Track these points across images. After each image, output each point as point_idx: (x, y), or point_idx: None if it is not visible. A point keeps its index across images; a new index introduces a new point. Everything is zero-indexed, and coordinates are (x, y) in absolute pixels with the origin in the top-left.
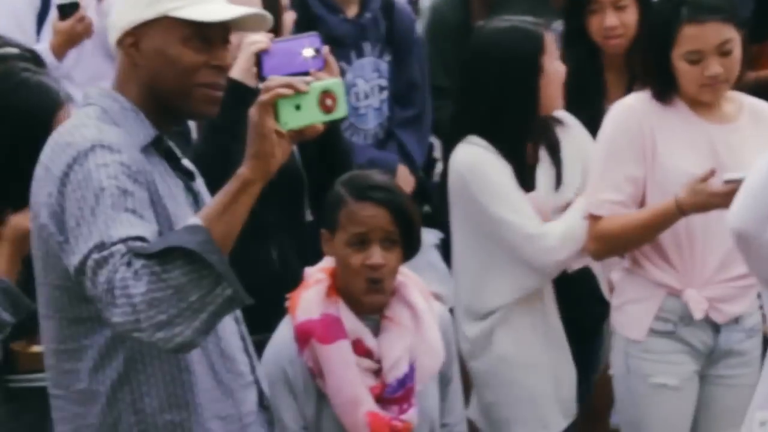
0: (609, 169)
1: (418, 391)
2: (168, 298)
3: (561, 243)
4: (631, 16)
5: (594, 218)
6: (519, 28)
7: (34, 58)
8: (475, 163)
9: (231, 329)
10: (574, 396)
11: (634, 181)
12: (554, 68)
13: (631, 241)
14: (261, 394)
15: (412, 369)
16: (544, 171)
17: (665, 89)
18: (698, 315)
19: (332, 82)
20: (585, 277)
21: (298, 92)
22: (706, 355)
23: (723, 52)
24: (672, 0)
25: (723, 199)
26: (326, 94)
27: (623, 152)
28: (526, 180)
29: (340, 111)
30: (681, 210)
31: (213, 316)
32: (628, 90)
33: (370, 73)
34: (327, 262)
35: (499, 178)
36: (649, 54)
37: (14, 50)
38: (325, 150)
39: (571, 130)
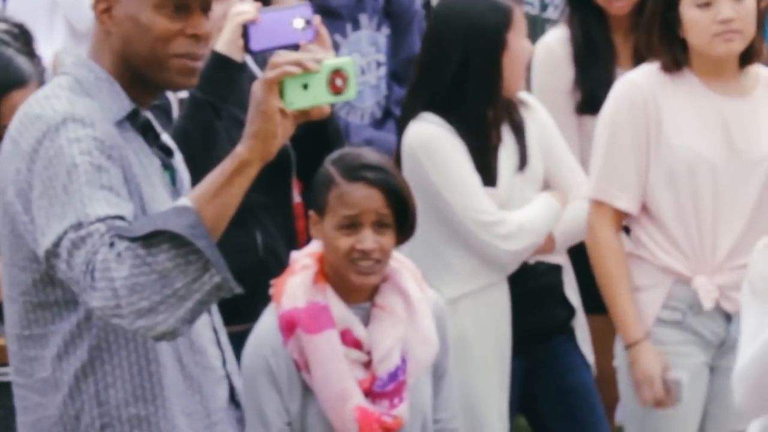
0: (611, 154)
1: (410, 385)
2: (152, 283)
3: (518, 232)
4: None
5: (598, 204)
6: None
7: (22, 34)
8: (429, 141)
9: (203, 320)
10: (506, 409)
11: (636, 167)
12: (519, 46)
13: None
14: (232, 390)
15: (404, 361)
16: (507, 154)
17: (674, 58)
18: (708, 304)
19: (344, 60)
20: (551, 279)
21: (307, 71)
22: (716, 346)
23: None
24: None
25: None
26: (337, 73)
27: (626, 137)
28: (488, 162)
29: (350, 92)
30: None
31: (199, 305)
32: (636, 53)
33: (366, 48)
34: (314, 246)
35: (455, 159)
36: (655, 17)
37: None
38: (313, 126)
39: (534, 113)
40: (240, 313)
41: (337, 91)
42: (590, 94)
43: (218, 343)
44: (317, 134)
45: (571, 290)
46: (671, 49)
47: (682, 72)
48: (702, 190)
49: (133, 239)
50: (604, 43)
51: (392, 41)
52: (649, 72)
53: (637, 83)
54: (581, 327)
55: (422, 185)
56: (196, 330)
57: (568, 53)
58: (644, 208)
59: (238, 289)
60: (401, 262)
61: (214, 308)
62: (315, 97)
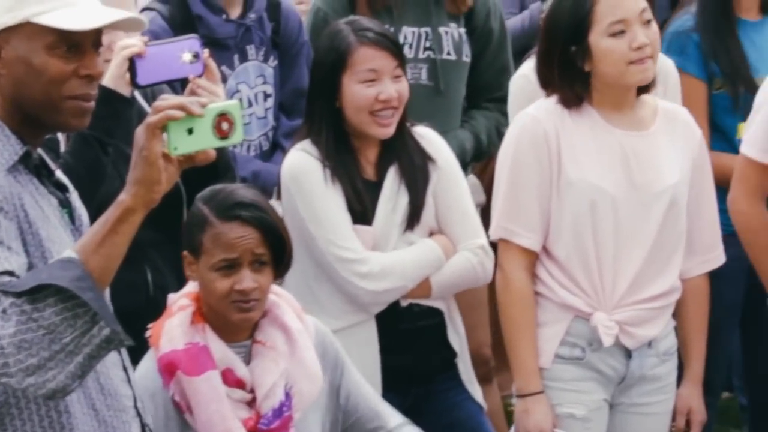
0: (514, 192)
1: (297, 420)
2: (39, 339)
3: (379, 273)
4: None
5: (505, 244)
6: (332, 33)
7: None
8: (299, 172)
9: (112, 360)
10: None
11: (539, 204)
12: (353, 91)
13: None
14: (143, 428)
15: (288, 396)
16: (389, 195)
17: (576, 92)
18: (608, 341)
19: (230, 104)
20: (428, 321)
21: (192, 115)
22: (616, 383)
23: (645, 20)
24: None
25: None
26: (222, 117)
27: (528, 174)
28: (364, 199)
29: (236, 136)
30: None
31: (89, 359)
32: None
33: (254, 79)
34: (191, 287)
35: (322, 192)
36: (555, 51)
37: None
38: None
39: (436, 162)
40: (129, 353)
41: (222, 135)
42: None
43: (129, 382)
44: (208, 168)
45: (455, 334)
46: (573, 84)
47: (581, 106)
48: (603, 226)
49: (19, 294)
50: None
51: (280, 73)
52: (548, 107)
53: (537, 119)
54: (466, 369)
55: (294, 217)
56: (105, 373)
57: None
58: (544, 245)
59: (129, 341)
60: (279, 294)
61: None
62: (200, 142)
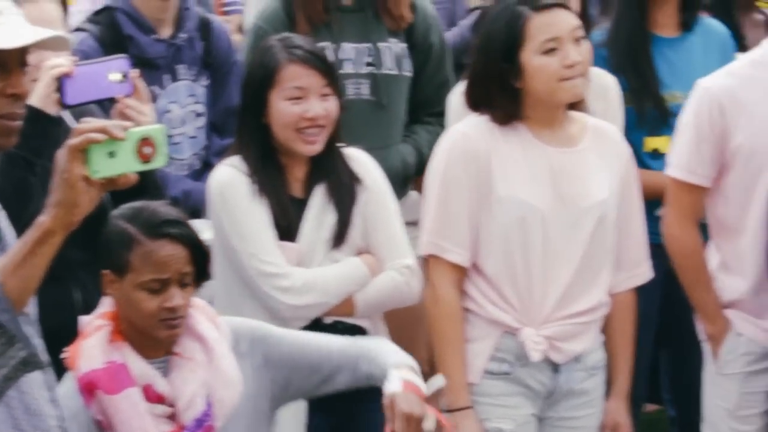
0: (443, 208)
1: (219, 429)
2: None
3: (301, 288)
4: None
5: (434, 260)
6: (263, 49)
7: None
8: (225, 187)
9: (37, 380)
10: None
11: (468, 220)
12: (279, 107)
13: None
14: None
15: (209, 406)
16: (315, 213)
17: (508, 110)
18: (535, 356)
19: (153, 128)
20: None
21: (113, 138)
22: (544, 397)
23: (576, 38)
24: (507, 2)
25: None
26: (145, 141)
27: (457, 190)
28: (290, 215)
29: (159, 160)
30: None
31: (5, 380)
32: None
33: (185, 99)
34: (105, 306)
35: (247, 207)
36: (490, 69)
37: None
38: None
39: (364, 181)
40: (57, 374)
41: (145, 159)
42: None
43: (53, 402)
44: (136, 187)
45: None
46: (505, 101)
47: (511, 123)
48: (532, 242)
49: None
50: None
51: (212, 92)
52: (479, 123)
53: (467, 135)
54: None
55: (220, 231)
56: (31, 393)
57: None
58: (473, 260)
59: (47, 364)
60: (192, 304)
61: (49, 364)
62: (122, 165)
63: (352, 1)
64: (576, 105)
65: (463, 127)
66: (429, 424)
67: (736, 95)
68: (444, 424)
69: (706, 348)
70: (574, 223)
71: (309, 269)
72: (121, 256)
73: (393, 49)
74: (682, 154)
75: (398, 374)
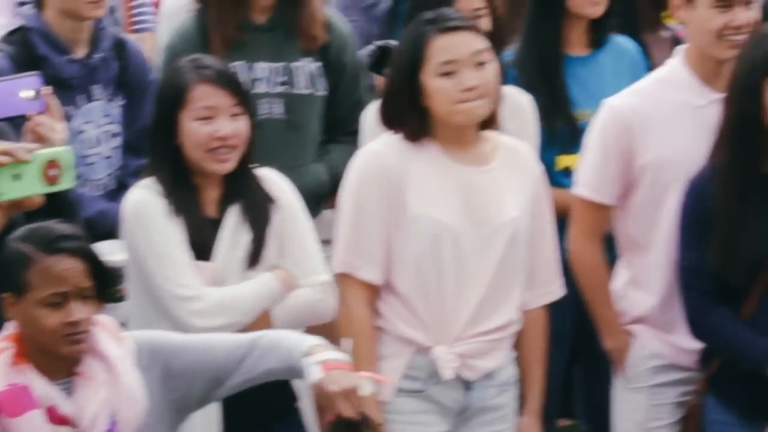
0: (356, 226)
1: None
2: None
3: (213, 309)
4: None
5: (346, 278)
6: (173, 70)
7: None
8: (139, 209)
9: None
10: None
11: (381, 238)
12: (190, 127)
13: None
14: None
15: (114, 424)
16: (230, 232)
17: (417, 127)
18: (447, 375)
19: (59, 150)
20: None
21: (19, 161)
22: (457, 413)
23: (477, 62)
24: (418, 20)
25: None
26: (51, 163)
27: (370, 208)
28: (205, 235)
29: (66, 182)
30: None
31: None
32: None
33: (100, 119)
34: (8, 329)
35: (161, 229)
36: (399, 87)
37: None
38: (47, 202)
39: (279, 201)
40: None
41: (51, 181)
42: None
43: None
44: (48, 208)
45: None
46: (414, 119)
47: (424, 141)
48: (443, 260)
49: None
50: None
51: (128, 112)
52: (391, 141)
53: (380, 154)
54: (309, 411)
55: (134, 253)
56: None
57: None
58: (386, 278)
59: None
60: (96, 321)
61: None
62: (27, 188)
63: (266, 20)
64: (489, 124)
65: (376, 146)
66: (366, 389)
67: (642, 114)
68: (380, 379)
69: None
70: (486, 241)
71: (221, 288)
72: (19, 276)
73: (307, 68)
74: (588, 172)
75: (313, 360)
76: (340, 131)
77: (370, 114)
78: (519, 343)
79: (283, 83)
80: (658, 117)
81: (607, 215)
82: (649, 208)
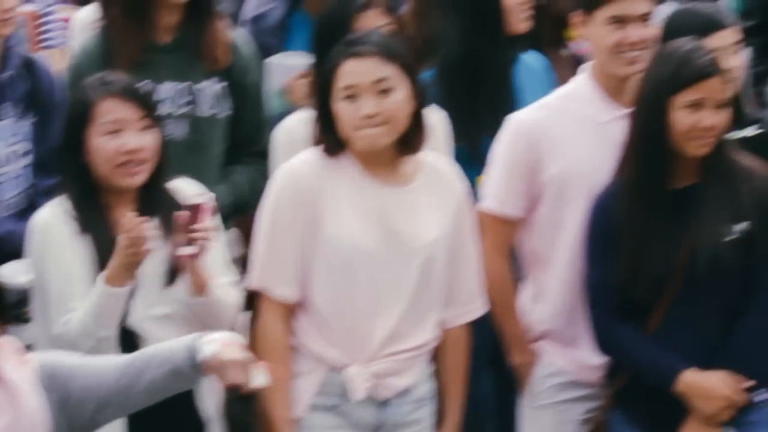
0: (272, 243)
1: None
2: None
3: (81, 331)
4: None
5: (264, 294)
6: (80, 87)
7: None
8: (44, 229)
9: None
10: None
11: (296, 256)
12: (98, 144)
13: None
14: None
15: None
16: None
17: (333, 143)
18: (359, 395)
19: None
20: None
21: None
22: (372, 429)
23: (380, 90)
24: (342, 41)
25: None
26: None
27: (286, 226)
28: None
29: None
30: None
31: None
32: None
33: (9, 137)
34: None
35: (64, 249)
36: (317, 101)
37: None
38: None
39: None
40: None
41: None
42: None
43: None
44: None
45: (208, 400)
46: (330, 139)
47: (344, 159)
48: (359, 281)
49: None
50: None
51: (38, 130)
52: (311, 160)
53: (298, 173)
54: None
55: (39, 272)
56: None
57: (308, 135)
58: (303, 296)
59: None
60: None
61: None
62: None
63: (171, 40)
64: (410, 148)
65: (295, 164)
66: (260, 379)
67: (547, 128)
68: (274, 372)
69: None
70: (402, 264)
71: (77, 312)
72: None
73: (211, 89)
74: (494, 186)
75: (208, 339)
76: (244, 152)
77: (281, 131)
78: (438, 360)
79: (187, 104)
80: (562, 131)
81: (514, 230)
82: (553, 223)
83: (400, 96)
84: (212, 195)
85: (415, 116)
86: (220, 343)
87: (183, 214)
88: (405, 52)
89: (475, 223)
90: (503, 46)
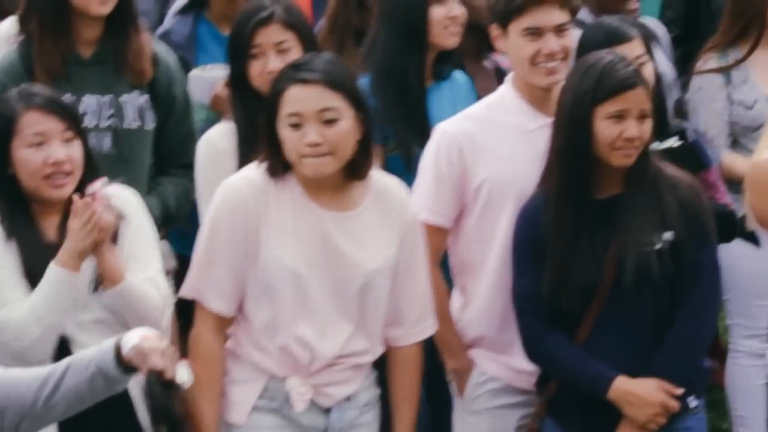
0: (208, 258)
1: None
2: None
3: (20, 330)
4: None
5: (199, 305)
6: (1, 101)
7: None
8: None
9: None
10: None
11: (233, 273)
12: (23, 155)
13: None
14: None
15: None
16: None
17: (277, 164)
18: (300, 407)
19: None
20: (116, 396)
21: None
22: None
23: (325, 120)
24: (289, 65)
25: None
26: None
27: (223, 244)
28: (40, 261)
29: None
30: None
31: None
32: None
33: None
34: None
35: None
36: (261, 126)
37: None
38: None
39: (131, 222)
40: None
41: None
42: None
43: None
44: None
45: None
46: (276, 158)
47: (287, 179)
48: (294, 303)
49: None
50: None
51: None
52: (254, 178)
53: (240, 192)
54: None
55: None
56: None
57: (231, 146)
58: (243, 309)
59: None
60: None
61: None
62: None
63: (92, 54)
64: (357, 174)
65: (238, 181)
66: (182, 376)
67: (473, 137)
68: (195, 371)
69: (453, 387)
70: (341, 288)
71: (23, 302)
72: None
73: (135, 102)
74: (424, 195)
75: (131, 335)
76: (171, 164)
77: (203, 143)
78: (389, 379)
79: (110, 117)
80: (489, 140)
81: (445, 238)
82: (483, 231)
83: (345, 126)
84: (105, 181)
85: (362, 143)
86: (140, 336)
87: (79, 202)
88: (350, 80)
89: (424, 243)
90: (424, 60)
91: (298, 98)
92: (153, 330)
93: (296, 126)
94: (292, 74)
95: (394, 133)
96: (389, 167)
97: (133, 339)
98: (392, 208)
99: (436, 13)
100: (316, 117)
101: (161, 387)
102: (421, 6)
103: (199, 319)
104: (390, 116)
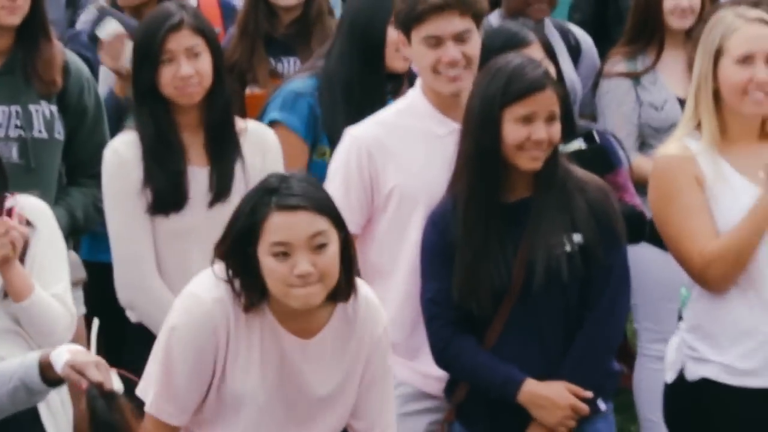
0: (169, 376)
1: None
2: None
3: None
4: (206, 64)
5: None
6: None
7: None
8: None
9: None
10: None
11: (195, 391)
12: None
13: None
14: None
15: None
16: None
17: (252, 299)
18: None
19: None
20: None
21: None
22: None
23: (315, 246)
24: (260, 188)
25: None
26: None
27: (184, 365)
28: None
29: None
30: None
31: None
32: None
33: None
34: None
35: None
36: (231, 255)
37: None
38: None
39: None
40: None
41: None
42: (159, 194)
43: None
44: None
45: (51, 417)
46: (252, 290)
47: (259, 306)
48: (250, 425)
49: None
50: (174, 141)
51: None
52: (226, 301)
53: (211, 315)
54: None
55: None
56: None
57: (136, 155)
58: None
59: None
60: None
61: None
62: None
63: (2, 64)
64: (338, 298)
65: (210, 303)
66: (116, 383)
67: (383, 142)
68: (126, 375)
69: None
70: (295, 410)
71: None
72: None
73: (43, 112)
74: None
75: (56, 352)
76: (81, 174)
77: (109, 152)
78: None
79: (18, 127)
80: (399, 145)
81: (354, 242)
82: (393, 236)
83: (333, 249)
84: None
85: (345, 264)
86: (69, 351)
87: None
88: (330, 199)
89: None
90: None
91: (285, 226)
92: (73, 345)
93: (283, 255)
94: (270, 199)
95: (330, 142)
96: (313, 170)
97: (63, 355)
98: (355, 329)
99: (391, 34)
100: (306, 244)
101: (103, 400)
102: (382, 26)
103: (151, 425)
104: (331, 125)
